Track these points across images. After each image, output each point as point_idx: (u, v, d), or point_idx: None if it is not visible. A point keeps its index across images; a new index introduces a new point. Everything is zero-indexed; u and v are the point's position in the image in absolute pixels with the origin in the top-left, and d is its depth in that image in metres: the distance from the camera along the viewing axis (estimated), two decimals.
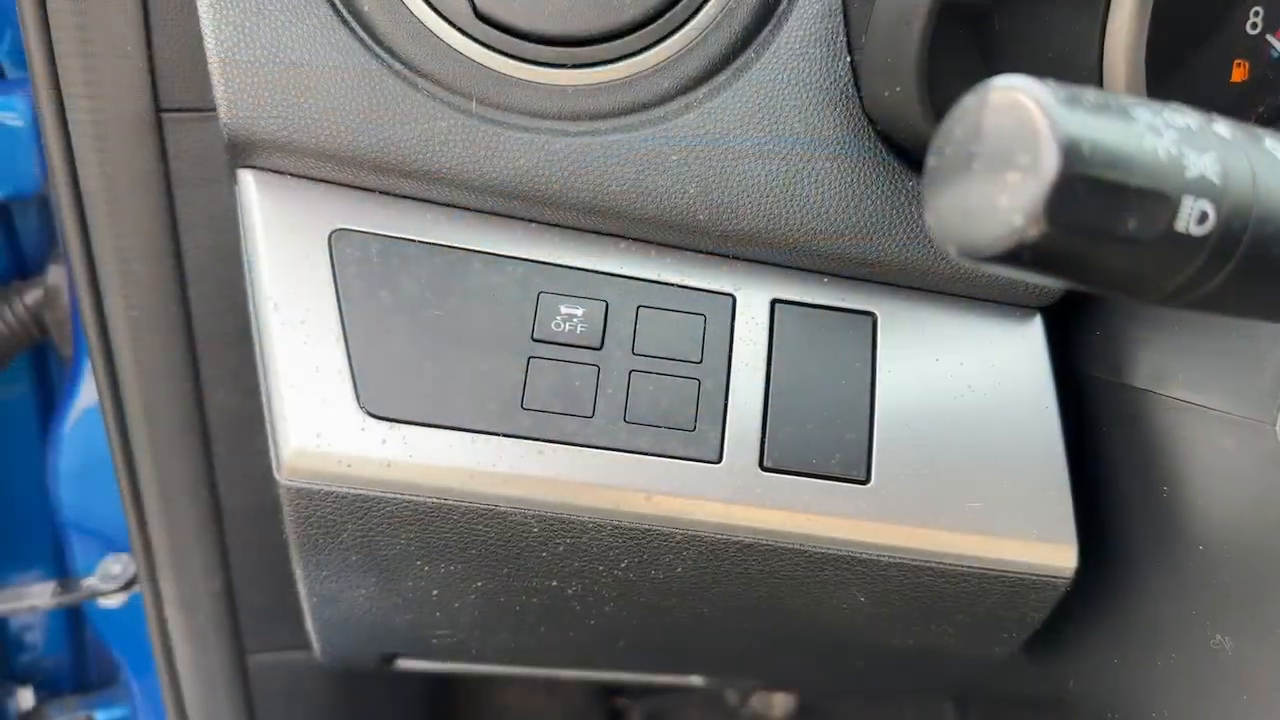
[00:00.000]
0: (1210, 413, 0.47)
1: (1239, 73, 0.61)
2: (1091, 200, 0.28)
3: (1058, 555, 0.51)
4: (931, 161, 0.30)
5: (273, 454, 0.50)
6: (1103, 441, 0.54)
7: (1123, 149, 0.28)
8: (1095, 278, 0.30)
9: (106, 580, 0.99)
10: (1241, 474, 0.46)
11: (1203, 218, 0.29)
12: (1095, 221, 0.28)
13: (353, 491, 0.49)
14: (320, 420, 0.48)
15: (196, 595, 0.80)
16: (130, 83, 0.59)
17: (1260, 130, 0.32)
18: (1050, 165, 0.27)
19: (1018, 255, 0.28)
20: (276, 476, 0.49)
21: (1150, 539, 0.51)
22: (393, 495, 0.49)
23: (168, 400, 0.70)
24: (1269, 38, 0.60)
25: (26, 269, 0.98)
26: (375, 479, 0.49)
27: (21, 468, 1.05)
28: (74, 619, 1.15)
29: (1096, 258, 0.29)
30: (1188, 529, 0.49)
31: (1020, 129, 0.28)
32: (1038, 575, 0.51)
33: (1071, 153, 0.27)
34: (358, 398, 0.49)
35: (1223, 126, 0.31)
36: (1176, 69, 0.60)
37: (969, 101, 0.29)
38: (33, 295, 0.94)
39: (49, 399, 1.06)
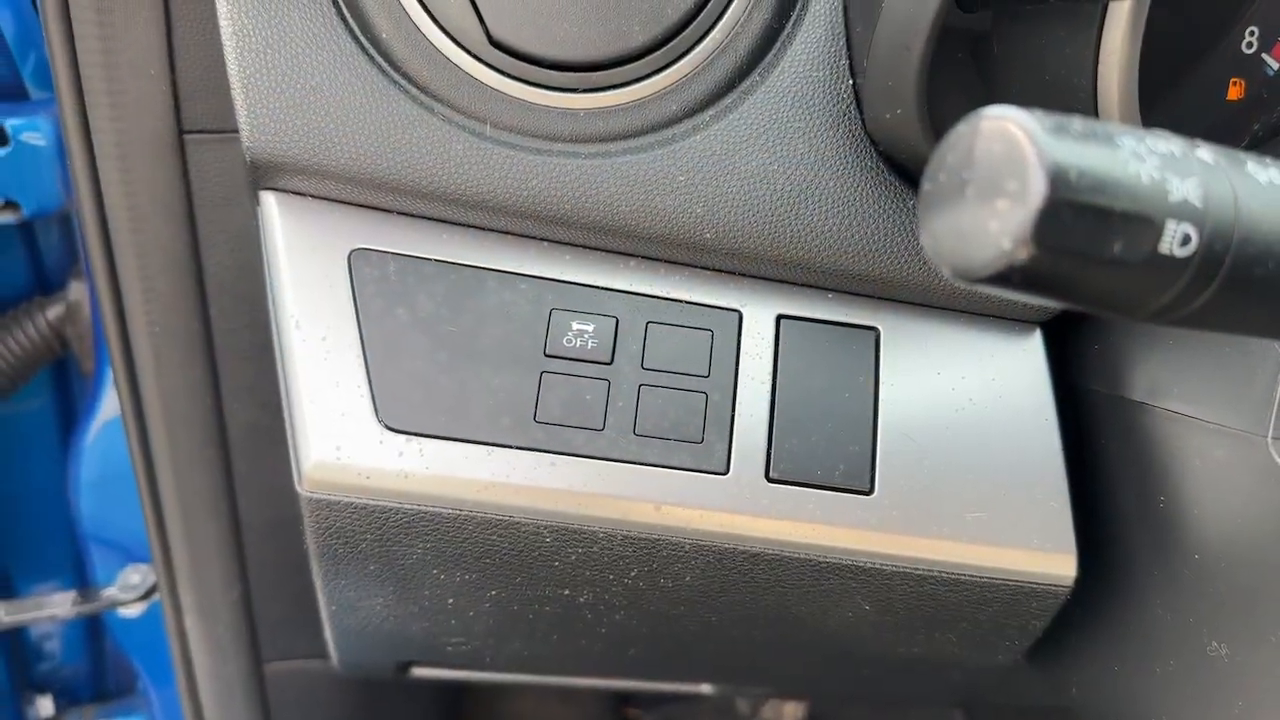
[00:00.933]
0: (1205, 425, 0.48)
1: (1235, 91, 0.62)
2: (1078, 224, 0.29)
3: (1058, 564, 0.52)
4: (926, 186, 0.32)
5: (294, 466, 0.51)
6: (1101, 453, 0.55)
7: (1108, 175, 0.29)
8: (1083, 297, 0.31)
9: (126, 590, 1.01)
10: (1235, 485, 0.47)
11: (1186, 240, 0.30)
12: (1082, 244, 0.29)
13: (371, 502, 0.50)
14: (340, 434, 0.50)
15: (215, 605, 0.82)
16: (154, 104, 0.60)
17: (1243, 154, 0.33)
18: (1037, 191, 0.28)
19: (1008, 277, 0.30)
20: (297, 488, 0.51)
21: (1148, 548, 0.52)
22: (410, 506, 0.51)
23: (188, 414, 0.71)
24: (1265, 56, 0.62)
25: (49, 285, 1.00)
26: (393, 490, 0.50)
27: (42, 479, 1.07)
28: (93, 628, 1.17)
29: (1084, 279, 0.30)
30: (1184, 538, 0.50)
31: (1009, 157, 0.29)
32: (1038, 584, 0.53)
33: (1058, 179, 0.28)
34: (376, 412, 0.50)
35: (1205, 152, 0.32)
36: (1174, 87, 0.62)
37: (961, 129, 0.31)
38: (55, 310, 0.97)
39: (69, 412, 1.08)
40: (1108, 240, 0.30)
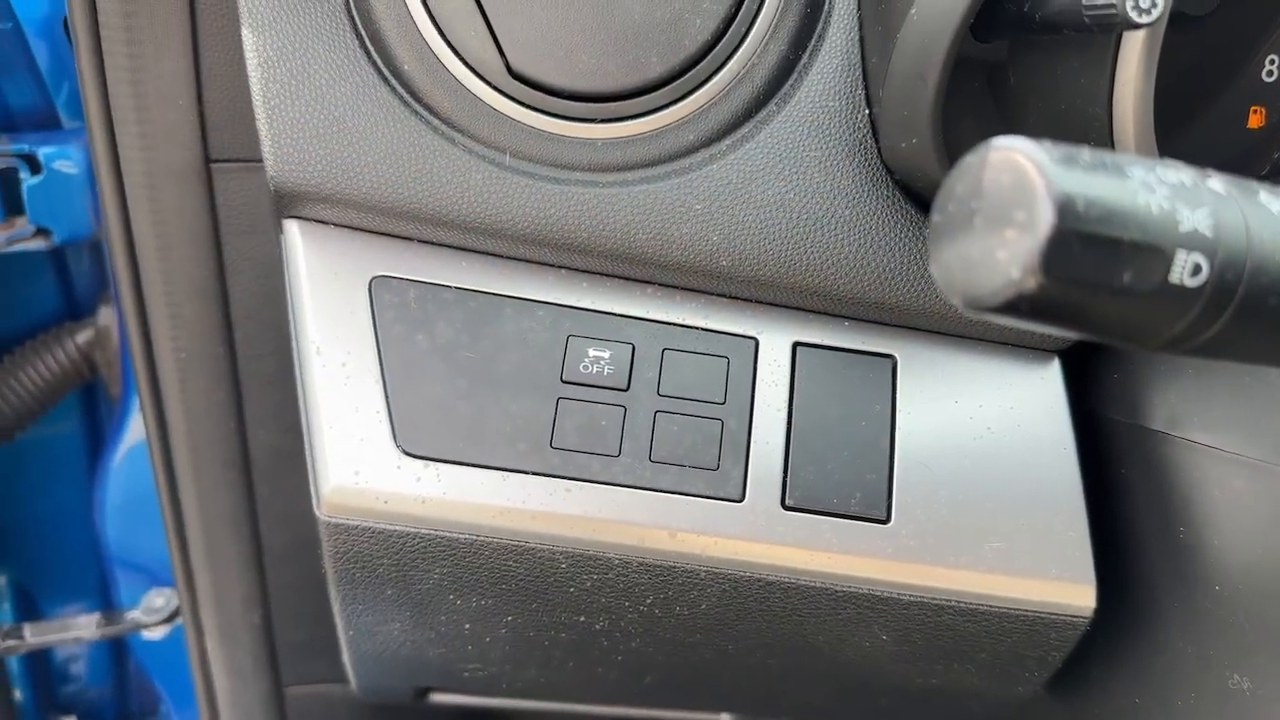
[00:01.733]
0: (1224, 455, 0.48)
1: (1256, 119, 0.62)
2: (1086, 254, 0.29)
3: (1077, 595, 0.52)
4: (936, 217, 0.32)
5: (313, 491, 0.51)
6: (1120, 482, 0.55)
7: (1117, 205, 0.29)
8: (1093, 327, 0.32)
9: (150, 613, 1.02)
10: (1255, 515, 0.46)
11: (1196, 270, 0.30)
12: (1090, 274, 0.29)
13: (388, 527, 0.51)
14: (359, 459, 0.50)
15: (236, 628, 0.82)
16: (181, 134, 0.61)
17: (1256, 184, 0.33)
18: (1046, 221, 0.28)
19: (1017, 306, 0.30)
20: (316, 512, 0.51)
21: (1168, 579, 0.52)
22: (426, 531, 0.51)
23: (212, 438, 0.72)
24: None
25: (78, 310, 1.01)
26: (410, 515, 0.51)
27: (70, 503, 1.09)
28: (117, 651, 1.18)
29: (1094, 308, 0.30)
30: (1204, 569, 0.49)
31: (1017, 187, 0.29)
32: (1057, 615, 0.52)
33: (1066, 209, 0.28)
34: (395, 437, 0.51)
35: (1217, 182, 0.32)
36: (1194, 117, 0.62)
37: (970, 160, 0.31)
38: (84, 335, 0.98)
39: (97, 436, 1.10)
40: (1117, 270, 0.30)
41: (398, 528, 0.51)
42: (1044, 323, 0.31)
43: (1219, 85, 0.62)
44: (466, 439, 0.51)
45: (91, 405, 1.09)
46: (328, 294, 0.53)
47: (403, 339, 0.52)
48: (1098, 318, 0.31)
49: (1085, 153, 0.30)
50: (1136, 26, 0.39)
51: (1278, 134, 0.62)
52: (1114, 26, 0.40)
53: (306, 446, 0.52)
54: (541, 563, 0.52)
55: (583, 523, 0.51)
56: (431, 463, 0.51)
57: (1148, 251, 0.30)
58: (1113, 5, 0.39)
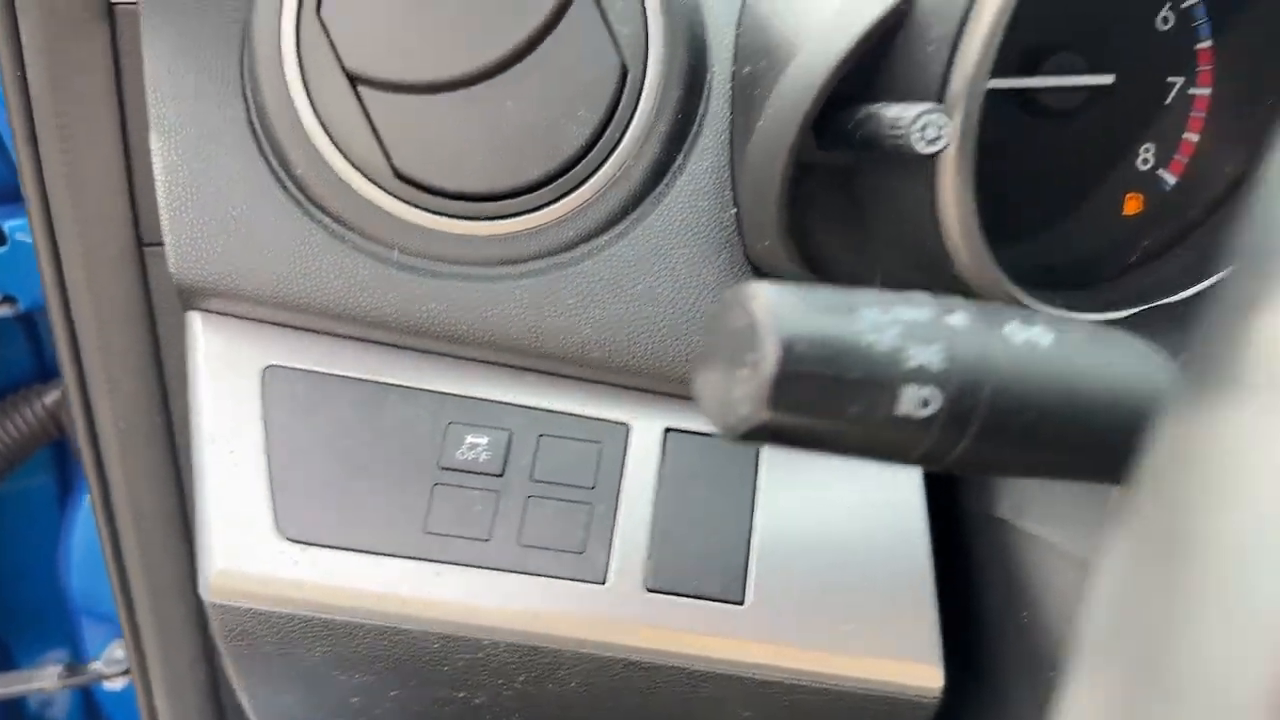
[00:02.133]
0: (1055, 546, 0.50)
1: (1132, 205, 0.65)
2: (811, 392, 0.32)
3: (924, 676, 0.54)
4: (699, 347, 0.35)
5: (200, 574, 0.54)
6: (973, 567, 0.57)
7: (840, 346, 0.32)
8: (842, 450, 0.34)
9: (110, 664, 1.05)
10: (1077, 608, 0.48)
11: (925, 403, 0.33)
12: (817, 409, 0.32)
13: (270, 609, 0.54)
14: (240, 545, 0.53)
15: (183, 685, 0.85)
16: (114, 218, 0.65)
17: (1008, 313, 0.36)
18: (769, 364, 0.31)
19: (758, 435, 0.33)
20: (201, 594, 0.54)
21: (1017, 661, 0.54)
22: (305, 613, 0.54)
23: (154, 507, 0.75)
24: (1160, 172, 0.64)
25: (48, 372, 1.06)
26: (288, 598, 0.53)
27: (43, 554, 1.12)
28: (88, 700, 1.21)
29: (831, 436, 0.33)
30: (1045, 652, 0.51)
31: (749, 330, 0.32)
32: (906, 696, 0.54)
33: (789, 352, 0.31)
34: (276, 523, 0.54)
35: (960, 316, 0.35)
36: (1070, 206, 0.64)
37: (725, 298, 0.34)
38: (51, 397, 1.02)
39: (69, 489, 1.14)
40: (843, 405, 0.32)
41: (278, 610, 0.54)
42: (793, 447, 0.34)
43: (1096, 176, 0.64)
44: (343, 524, 0.54)
45: (64, 459, 1.13)
46: (222, 383, 0.56)
47: (289, 427, 0.55)
48: (841, 444, 0.34)
49: (824, 294, 0.33)
50: (925, 156, 0.42)
51: (1151, 220, 0.64)
52: (909, 153, 0.42)
53: (195, 533, 0.55)
54: (415, 643, 0.54)
55: (451, 605, 0.53)
56: (309, 547, 0.53)
57: (872, 388, 0.32)
58: (902, 136, 0.42)
